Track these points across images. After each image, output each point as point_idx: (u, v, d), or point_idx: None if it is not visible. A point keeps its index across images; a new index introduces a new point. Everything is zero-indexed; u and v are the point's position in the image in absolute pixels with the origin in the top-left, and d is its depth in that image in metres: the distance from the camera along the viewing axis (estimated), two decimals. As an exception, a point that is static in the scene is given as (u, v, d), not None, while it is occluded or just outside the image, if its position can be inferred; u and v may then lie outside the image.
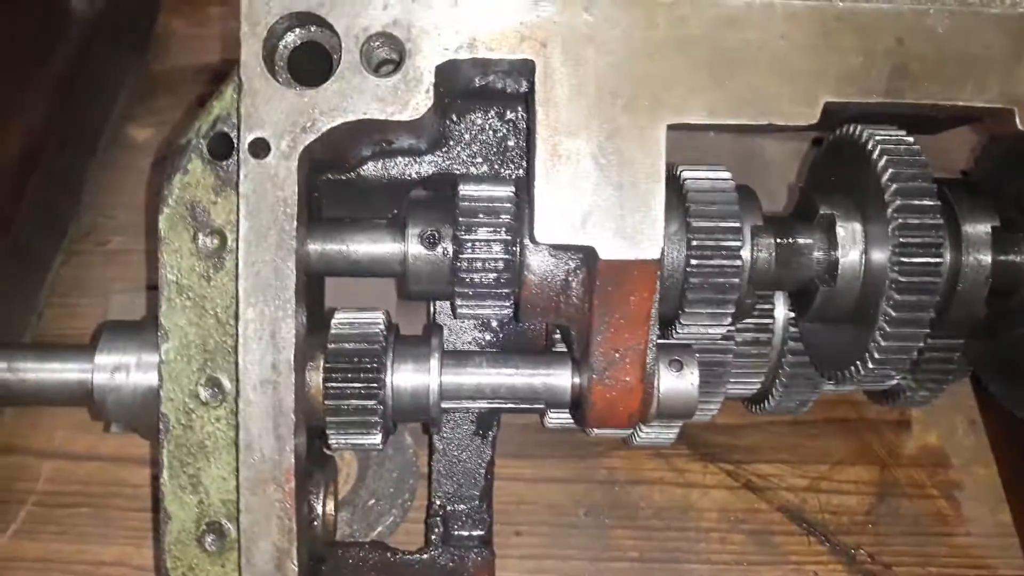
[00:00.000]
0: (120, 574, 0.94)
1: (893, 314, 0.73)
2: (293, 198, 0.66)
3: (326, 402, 0.74)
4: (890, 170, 0.73)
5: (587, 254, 0.68)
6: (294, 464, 0.67)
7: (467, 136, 0.82)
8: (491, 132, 0.82)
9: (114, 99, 1.33)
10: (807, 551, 1.00)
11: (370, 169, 0.82)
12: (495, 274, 0.74)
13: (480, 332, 0.89)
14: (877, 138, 0.75)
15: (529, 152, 0.67)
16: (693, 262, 0.74)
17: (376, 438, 0.76)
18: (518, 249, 0.74)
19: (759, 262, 0.78)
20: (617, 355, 0.72)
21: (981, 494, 1.05)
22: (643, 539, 1.00)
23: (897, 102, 0.68)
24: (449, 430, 0.89)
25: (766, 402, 0.97)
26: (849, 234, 0.76)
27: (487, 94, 0.79)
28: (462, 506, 0.89)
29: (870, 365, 0.76)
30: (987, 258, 0.76)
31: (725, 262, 0.74)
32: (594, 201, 0.67)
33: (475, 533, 0.88)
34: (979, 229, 0.76)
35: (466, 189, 0.76)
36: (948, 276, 0.77)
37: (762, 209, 0.78)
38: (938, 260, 0.71)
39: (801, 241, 0.78)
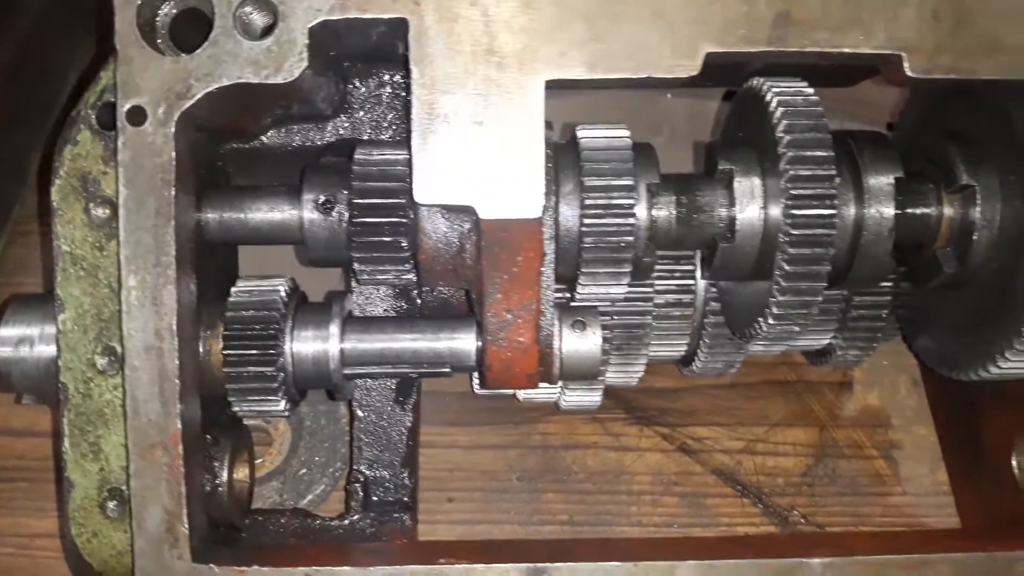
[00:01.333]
0: (53, 545, 0.95)
1: (787, 268, 0.72)
2: (171, 164, 0.66)
3: (225, 369, 0.75)
4: (784, 122, 0.72)
5: (469, 214, 0.68)
6: (181, 429, 0.67)
7: (370, 100, 0.82)
8: (393, 95, 0.82)
9: (64, 79, 1.33)
10: (740, 513, 1.00)
11: (274, 137, 0.83)
12: (390, 238, 0.74)
13: (397, 300, 0.89)
14: (775, 90, 0.74)
15: (407, 113, 0.67)
16: (586, 221, 0.73)
17: (279, 405, 0.77)
18: (413, 212, 0.74)
19: (659, 220, 0.77)
20: (509, 316, 0.72)
21: (920, 453, 1.04)
22: (574, 503, 1.00)
23: (781, 50, 0.67)
24: (369, 398, 0.89)
25: (694, 364, 0.96)
26: (747, 189, 0.75)
27: (388, 56, 0.79)
28: (383, 472, 0.89)
29: (771, 321, 0.75)
30: (890, 210, 0.75)
31: (618, 220, 0.73)
32: (473, 160, 0.66)
33: (396, 499, 0.89)
34: (881, 181, 0.75)
35: (361, 153, 0.76)
36: (852, 229, 0.76)
37: (659, 167, 0.77)
38: (830, 212, 0.70)
39: (700, 198, 0.77)
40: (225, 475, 0.78)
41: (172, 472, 0.68)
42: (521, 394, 0.97)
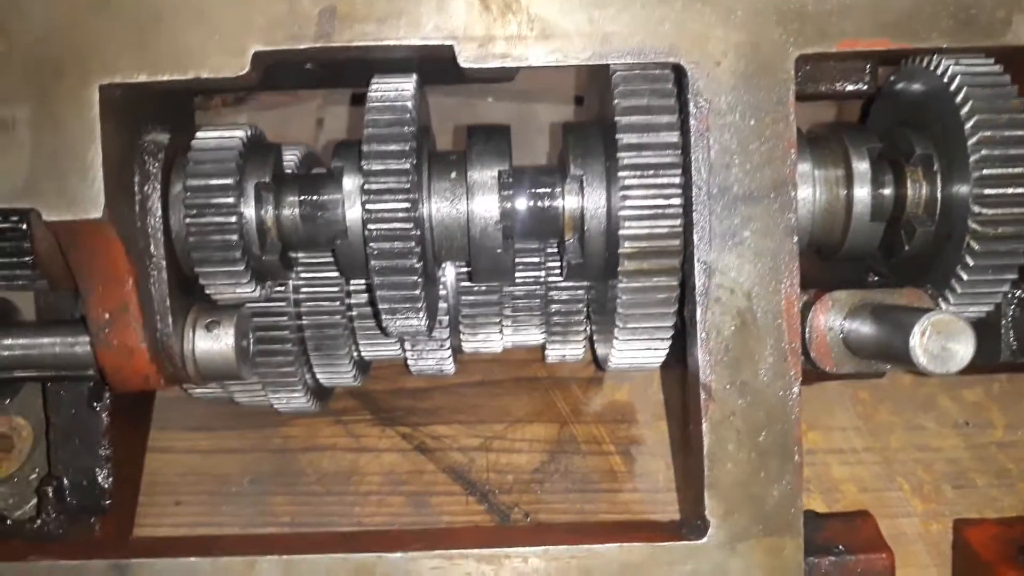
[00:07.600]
0: None
1: (374, 264, 0.72)
2: None
3: None
4: (369, 116, 0.72)
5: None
6: None
7: None
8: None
9: None
10: (462, 511, 1.00)
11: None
12: (9, 243, 0.77)
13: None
14: (373, 86, 0.74)
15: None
16: (188, 221, 0.74)
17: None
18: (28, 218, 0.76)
19: (283, 220, 0.78)
20: (108, 317, 0.73)
21: (660, 449, 1.02)
22: (300, 504, 1.01)
23: (329, 46, 0.68)
24: (60, 402, 0.91)
25: (409, 364, 0.96)
26: (353, 187, 0.75)
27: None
28: (78, 476, 0.91)
29: (384, 316, 0.76)
30: (492, 203, 0.74)
31: (219, 219, 0.74)
32: (33, 165, 0.68)
33: (91, 502, 0.90)
34: (485, 175, 0.74)
35: (-11, 164, 0.78)
36: (467, 224, 0.76)
37: (277, 166, 0.78)
38: (404, 206, 0.70)
39: (323, 196, 0.77)
40: None
41: None
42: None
